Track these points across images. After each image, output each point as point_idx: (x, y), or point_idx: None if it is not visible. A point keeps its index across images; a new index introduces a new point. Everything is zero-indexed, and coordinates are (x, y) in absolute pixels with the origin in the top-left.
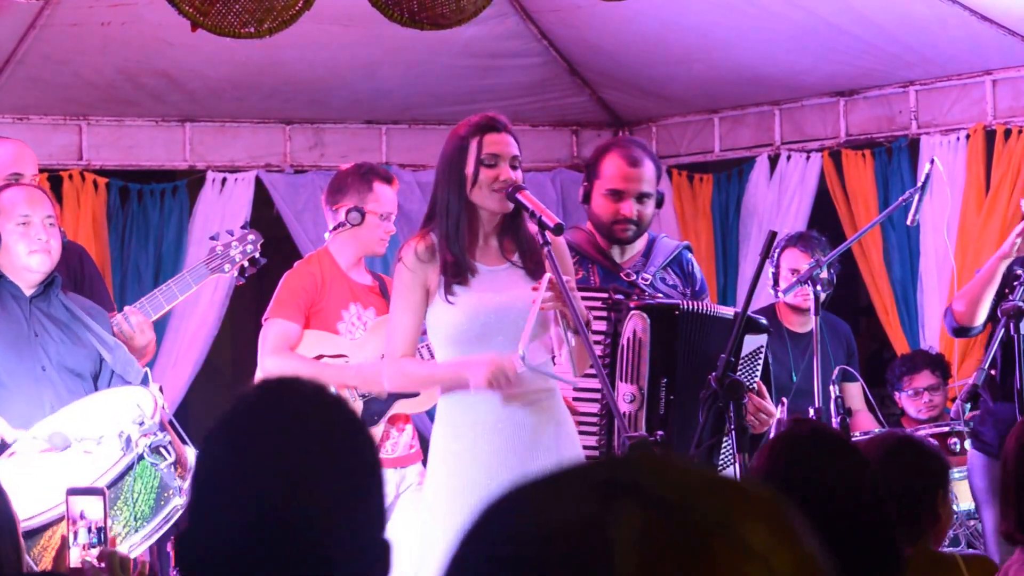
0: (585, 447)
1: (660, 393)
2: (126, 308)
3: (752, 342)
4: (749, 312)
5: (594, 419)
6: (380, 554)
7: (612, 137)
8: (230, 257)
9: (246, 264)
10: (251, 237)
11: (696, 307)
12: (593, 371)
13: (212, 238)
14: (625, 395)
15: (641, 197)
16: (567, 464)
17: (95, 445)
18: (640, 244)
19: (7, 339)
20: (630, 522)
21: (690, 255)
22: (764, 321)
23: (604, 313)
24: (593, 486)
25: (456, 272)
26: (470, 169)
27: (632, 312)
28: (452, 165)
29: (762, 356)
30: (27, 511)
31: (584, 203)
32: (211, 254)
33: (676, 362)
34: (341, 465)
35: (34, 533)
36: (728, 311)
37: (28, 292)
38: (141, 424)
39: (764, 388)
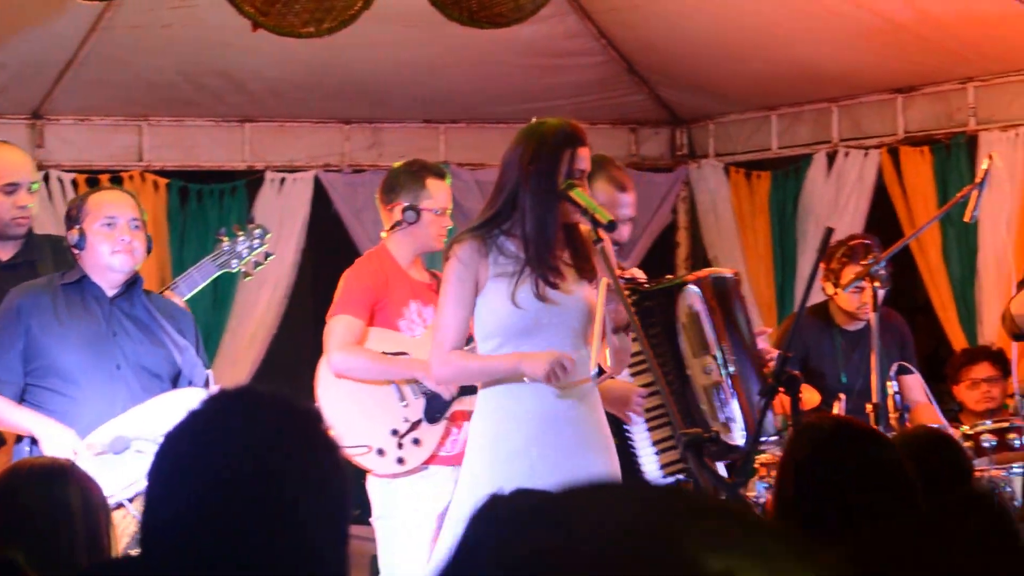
0: (662, 440)
1: (724, 359)
2: None
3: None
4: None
5: (661, 409)
6: (337, 558)
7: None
8: (237, 253)
9: (256, 260)
10: (258, 232)
11: (722, 272)
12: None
13: (219, 234)
14: (705, 367)
15: (627, 220)
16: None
17: (150, 445)
18: None
19: (85, 337)
20: None
21: None
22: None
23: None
24: None
25: (548, 279)
26: (561, 181)
27: (683, 289)
28: (543, 173)
29: None
30: None
31: None
32: (218, 249)
33: (726, 328)
34: (299, 464)
35: None
36: (728, 272)
37: (110, 292)
38: None
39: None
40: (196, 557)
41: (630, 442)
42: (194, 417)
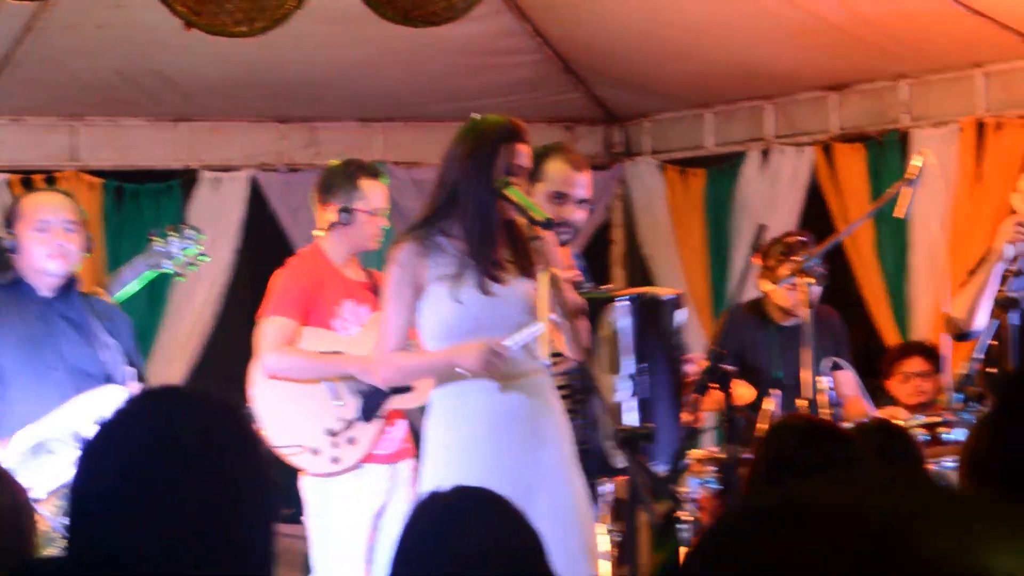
0: None
1: (644, 378)
2: None
3: (681, 316)
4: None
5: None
6: (262, 556)
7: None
8: (169, 253)
9: (188, 261)
10: (190, 233)
11: (659, 293)
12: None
13: (151, 234)
14: (613, 385)
15: (581, 202)
16: None
17: (62, 445)
18: None
19: (19, 338)
20: None
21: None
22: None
23: None
24: None
25: (492, 273)
26: (499, 175)
27: (612, 303)
28: (482, 167)
29: None
30: None
31: None
32: (149, 250)
33: (650, 346)
34: (214, 468)
35: None
36: (668, 292)
37: (47, 294)
38: None
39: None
40: (122, 556)
41: None
42: (119, 416)
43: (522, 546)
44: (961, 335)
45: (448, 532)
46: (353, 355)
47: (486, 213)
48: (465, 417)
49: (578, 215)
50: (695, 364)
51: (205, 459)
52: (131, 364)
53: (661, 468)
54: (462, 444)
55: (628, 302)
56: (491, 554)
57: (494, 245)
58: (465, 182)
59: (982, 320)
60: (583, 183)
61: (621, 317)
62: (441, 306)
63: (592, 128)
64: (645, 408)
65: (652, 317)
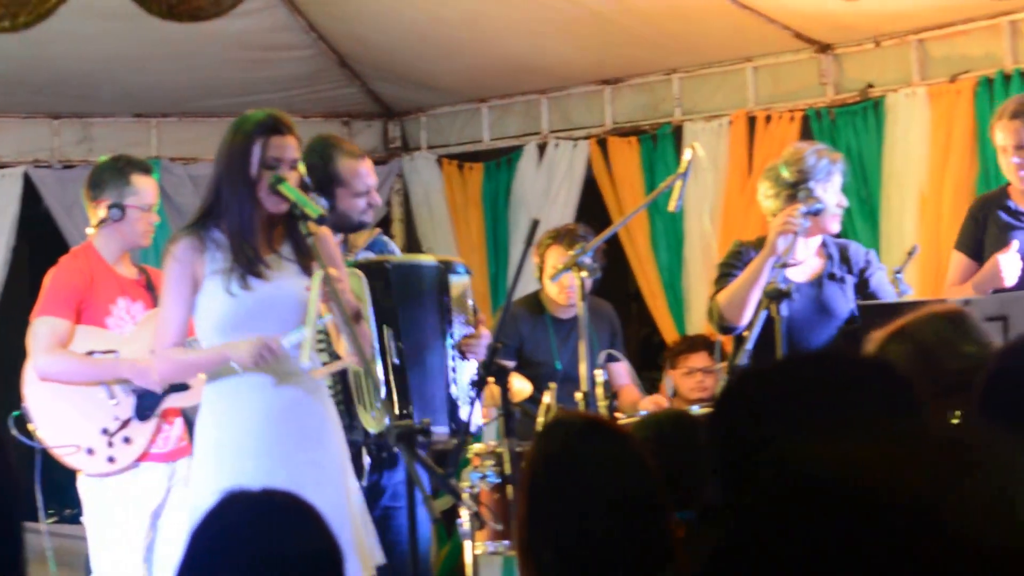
0: None
1: (390, 344)
2: None
3: (459, 281)
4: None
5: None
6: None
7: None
8: None
9: None
10: None
11: (401, 259)
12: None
13: None
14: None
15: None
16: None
17: None
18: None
19: None
20: None
21: (385, 238)
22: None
23: None
24: None
25: (251, 268)
26: (254, 171)
27: (355, 273)
28: (235, 166)
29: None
30: None
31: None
32: None
33: (396, 311)
34: None
35: None
36: (429, 259)
37: None
38: None
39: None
40: None
41: None
42: None
43: (324, 552)
44: (726, 328)
45: (250, 534)
46: (125, 359)
47: (242, 210)
48: (237, 414)
49: (377, 197)
50: (483, 324)
51: None
52: None
53: (441, 432)
54: (234, 442)
55: (357, 268)
56: (293, 559)
57: (251, 242)
58: (225, 178)
59: (749, 315)
60: (371, 168)
61: (351, 284)
62: (215, 299)
63: (369, 123)
64: (395, 371)
65: (401, 282)
